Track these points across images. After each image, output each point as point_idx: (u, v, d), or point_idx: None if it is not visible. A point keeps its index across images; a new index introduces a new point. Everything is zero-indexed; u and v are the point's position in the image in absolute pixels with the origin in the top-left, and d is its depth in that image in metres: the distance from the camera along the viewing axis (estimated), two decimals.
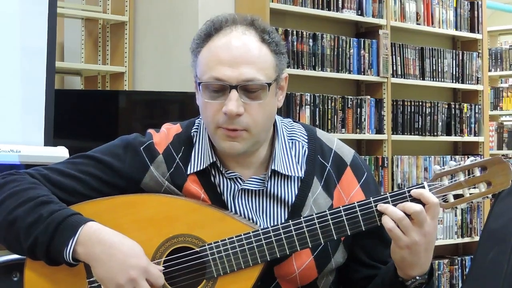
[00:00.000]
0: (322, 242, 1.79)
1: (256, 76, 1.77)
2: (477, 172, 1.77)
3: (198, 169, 1.88)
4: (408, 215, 1.72)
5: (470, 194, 1.77)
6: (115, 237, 1.76)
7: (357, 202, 1.77)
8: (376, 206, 1.76)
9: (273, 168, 1.86)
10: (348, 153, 1.95)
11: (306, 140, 1.93)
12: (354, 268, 1.93)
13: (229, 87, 1.77)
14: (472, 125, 6.00)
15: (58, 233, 1.75)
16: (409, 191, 1.76)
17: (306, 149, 1.91)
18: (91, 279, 1.80)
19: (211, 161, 1.87)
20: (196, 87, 1.87)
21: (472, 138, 5.99)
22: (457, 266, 5.83)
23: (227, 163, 1.89)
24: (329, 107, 5.13)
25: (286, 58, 1.87)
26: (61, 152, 3.47)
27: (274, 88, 1.83)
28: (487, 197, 1.78)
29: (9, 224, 1.80)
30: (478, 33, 6.08)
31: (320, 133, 1.97)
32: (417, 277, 1.78)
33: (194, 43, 1.85)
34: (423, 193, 1.74)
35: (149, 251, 1.78)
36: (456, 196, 1.77)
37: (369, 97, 5.36)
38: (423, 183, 1.77)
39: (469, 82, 6.01)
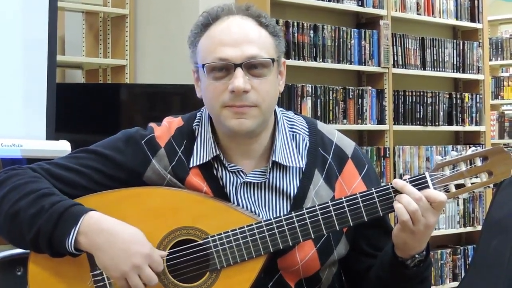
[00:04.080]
0: (325, 233, 1.79)
1: (259, 53, 1.80)
2: (479, 162, 1.78)
3: (201, 162, 1.88)
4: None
5: (471, 184, 1.78)
6: (116, 225, 1.77)
7: (359, 193, 1.78)
8: (378, 197, 1.77)
9: (274, 159, 1.87)
10: (349, 145, 1.96)
11: (307, 133, 1.93)
12: (357, 259, 1.94)
13: (233, 65, 1.78)
14: (473, 115, 6.00)
15: (60, 224, 1.76)
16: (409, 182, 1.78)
17: (307, 141, 1.92)
18: (94, 272, 1.81)
19: (214, 154, 1.87)
20: (195, 77, 1.88)
21: (473, 128, 5.99)
22: (459, 256, 5.84)
23: (230, 156, 1.89)
24: (331, 98, 5.13)
25: (284, 43, 1.89)
26: (63, 146, 3.47)
27: (276, 68, 1.85)
28: (489, 186, 1.79)
29: (11, 217, 1.81)
30: (478, 22, 6.07)
31: (321, 125, 1.97)
32: (416, 256, 1.81)
33: (192, 35, 1.87)
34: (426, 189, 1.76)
35: (153, 243, 1.79)
36: (457, 186, 1.78)
37: (370, 87, 5.36)
38: (424, 173, 1.78)
39: (470, 71, 6.00)
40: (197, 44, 1.85)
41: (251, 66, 1.79)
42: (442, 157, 1.79)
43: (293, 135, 1.92)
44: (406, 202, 1.74)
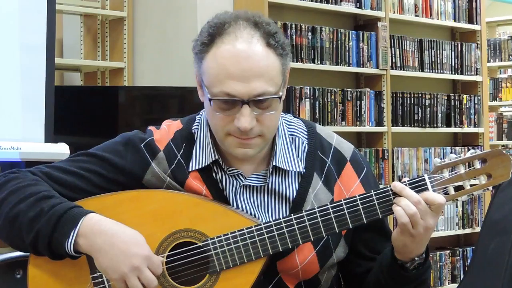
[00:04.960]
0: (324, 236, 1.80)
1: (267, 89, 1.75)
2: (478, 165, 1.78)
3: (200, 167, 1.88)
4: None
5: (470, 186, 1.78)
6: (116, 227, 1.77)
7: (358, 195, 1.78)
8: (377, 199, 1.77)
9: (274, 164, 1.87)
10: (347, 148, 1.96)
11: (306, 136, 1.93)
12: (355, 262, 1.94)
13: (240, 102, 1.75)
14: (472, 116, 6.01)
15: (60, 226, 1.76)
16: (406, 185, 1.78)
17: (306, 145, 1.92)
18: (94, 275, 1.81)
19: (213, 159, 1.88)
20: (198, 81, 1.85)
21: (472, 129, 6.00)
22: (458, 257, 5.84)
23: (229, 160, 1.89)
24: (329, 100, 5.13)
25: (290, 56, 1.84)
26: (61, 149, 3.47)
27: (282, 92, 1.82)
28: (488, 189, 1.79)
29: (11, 220, 1.81)
30: (476, 24, 6.08)
31: (320, 128, 1.97)
32: (416, 258, 1.81)
33: (197, 46, 1.81)
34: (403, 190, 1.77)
35: (153, 245, 1.79)
36: (456, 189, 1.78)
37: (368, 89, 5.37)
38: (424, 176, 1.78)
39: (468, 73, 6.01)
40: (203, 59, 1.79)
41: (259, 102, 1.76)
42: (441, 159, 1.79)
43: (292, 138, 1.92)
44: (405, 205, 1.74)
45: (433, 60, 5.76)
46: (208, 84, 1.78)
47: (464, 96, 5.98)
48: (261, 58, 1.75)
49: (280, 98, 1.78)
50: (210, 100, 1.77)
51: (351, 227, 1.79)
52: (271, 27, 1.80)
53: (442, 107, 5.80)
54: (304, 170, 1.89)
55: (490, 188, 1.79)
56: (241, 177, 1.88)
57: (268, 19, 1.83)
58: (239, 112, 1.75)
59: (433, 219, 1.75)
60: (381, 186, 1.81)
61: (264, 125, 1.78)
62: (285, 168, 1.88)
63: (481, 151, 1.80)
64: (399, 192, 1.76)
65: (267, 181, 1.87)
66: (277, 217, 1.85)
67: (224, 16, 1.81)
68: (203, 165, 1.88)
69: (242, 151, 1.81)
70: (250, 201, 1.87)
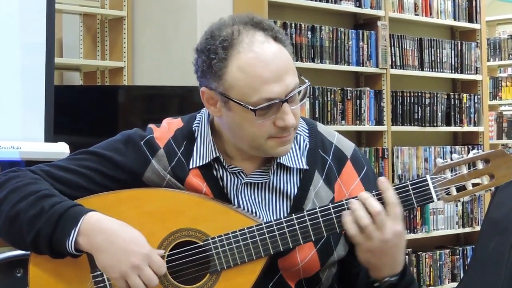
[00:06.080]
0: (325, 235, 1.79)
1: (296, 81, 1.77)
2: (480, 165, 1.76)
3: (201, 164, 1.88)
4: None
5: (473, 186, 1.77)
6: (116, 226, 1.77)
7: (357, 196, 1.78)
8: (379, 200, 1.76)
9: (278, 160, 1.87)
10: (348, 146, 1.96)
11: (307, 134, 1.93)
12: (352, 263, 1.93)
13: (280, 102, 1.75)
14: (472, 115, 6.01)
15: (60, 224, 1.76)
16: (408, 185, 1.77)
17: (307, 142, 1.92)
18: (95, 273, 1.80)
19: (214, 156, 1.87)
20: (208, 98, 1.82)
21: (471, 128, 6.00)
22: (458, 256, 5.84)
23: (230, 158, 1.89)
24: (329, 99, 5.14)
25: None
26: (61, 148, 3.48)
27: None
28: (490, 189, 1.78)
29: (12, 218, 1.81)
30: (476, 23, 6.07)
31: (321, 126, 1.98)
32: (386, 278, 1.78)
33: (214, 65, 1.75)
34: (386, 191, 1.75)
35: (153, 244, 1.79)
36: (458, 189, 1.77)
37: (368, 88, 5.37)
38: (425, 177, 1.77)
39: (468, 72, 6.01)
40: (223, 75, 1.75)
41: (293, 96, 1.77)
42: (443, 159, 1.79)
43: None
44: (356, 216, 1.72)
45: (433, 59, 5.76)
46: (241, 97, 1.75)
47: (464, 95, 5.98)
48: (282, 54, 1.78)
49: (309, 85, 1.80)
50: (254, 111, 1.74)
51: None
52: (268, 23, 1.81)
53: (442, 106, 5.81)
54: (306, 167, 1.89)
55: (492, 188, 1.78)
56: (242, 174, 1.88)
57: (257, 15, 1.83)
58: (280, 111, 1.75)
59: (386, 226, 1.72)
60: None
61: (297, 117, 1.80)
62: (288, 165, 1.88)
63: (482, 150, 1.79)
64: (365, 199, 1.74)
65: (270, 177, 1.87)
66: (278, 214, 1.85)
67: (223, 27, 1.79)
68: (204, 162, 1.88)
69: (283, 148, 1.81)
70: (251, 198, 1.87)
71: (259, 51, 1.75)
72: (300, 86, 1.78)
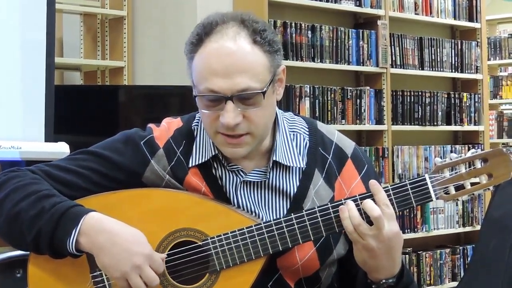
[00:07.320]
0: (324, 235, 1.79)
1: (250, 84, 1.75)
2: (478, 164, 1.77)
3: (200, 162, 1.88)
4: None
5: (471, 185, 1.77)
6: (117, 225, 1.78)
7: (359, 195, 1.78)
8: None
9: (274, 159, 1.87)
10: (349, 145, 1.96)
11: (307, 133, 1.93)
12: (351, 263, 1.93)
13: (224, 98, 1.76)
14: (472, 114, 6.00)
15: (61, 224, 1.76)
16: (408, 184, 1.77)
17: (307, 141, 1.92)
18: (94, 273, 1.80)
19: (213, 154, 1.88)
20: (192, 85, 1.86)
21: (472, 127, 5.99)
22: (459, 255, 5.84)
23: (229, 156, 1.89)
24: (329, 98, 5.13)
25: (281, 52, 1.85)
26: (62, 148, 3.47)
27: (270, 88, 1.81)
28: (488, 189, 1.78)
29: (12, 218, 1.81)
30: (476, 22, 6.07)
31: (321, 125, 1.98)
32: (383, 280, 1.78)
33: (187, 48, 1.82)
34: (377, 194, 1.75)
35: (153, 244, 1.79)
36: (457, 188, 1.77)
37: (368, 88, 5.37)
38: (424, 176, 1.77)
39: (468, 71, 6.01)
40: (192, 60, 1.81)
41: (243, 98, 1.77)
42: (442, 159, 1.79)
43: (293, 134, 1.92)
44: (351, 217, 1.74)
45: (433, 58, 5.76)
46: (195, 82, 1.80)
47: (464, 94, 5.97)
48: (245, 55, 1.76)
49: (264, 93, 1.77)
50: (195, 97, 1.80)
51: None
52: (259, 25, 1.80)
53: (442, 105, 5.80)
54: (305, 166, 1.89)
55: (491, 188, 1.78)
56: (241, 173, 1.88)
57: (258, 17, 1.84)
58: (224, 108, 1.76)
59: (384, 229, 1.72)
60: (382, 185, 1.80)
61: (251, 122, 1.78)
62: (286, 164, 1.88)
63: (481, 150, 1.79)
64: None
65: (268, 176, 1.87)
66: (277, 213, 1.86)
67: (213, 16, 1.82)
68: (203, 160, 1.88)
69: (231, 150, 1.82)
70: (250, 197, 1.88)
71: (223, 44, 1.76)
72: (255, 92, 1.76)
